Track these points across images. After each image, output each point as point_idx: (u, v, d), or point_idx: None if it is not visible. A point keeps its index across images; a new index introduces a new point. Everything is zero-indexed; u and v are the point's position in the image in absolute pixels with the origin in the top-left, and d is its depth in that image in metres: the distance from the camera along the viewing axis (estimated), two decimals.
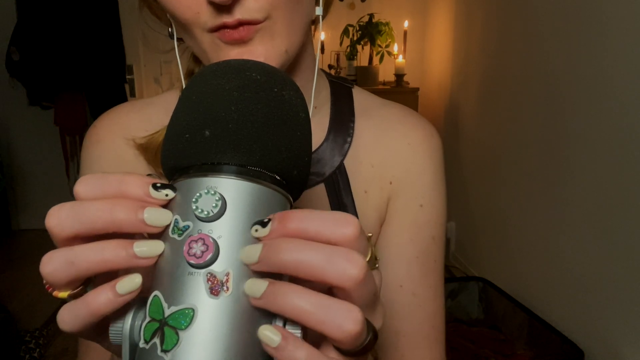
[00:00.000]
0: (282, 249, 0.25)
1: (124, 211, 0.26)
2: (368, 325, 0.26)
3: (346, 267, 0.24)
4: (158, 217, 0.27)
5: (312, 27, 0.54)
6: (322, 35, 0.51)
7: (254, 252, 0.26)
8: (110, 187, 0.27)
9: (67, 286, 0.28)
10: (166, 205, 0.29)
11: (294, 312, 0.25)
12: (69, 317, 0.27)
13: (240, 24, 0.41)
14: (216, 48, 0.43)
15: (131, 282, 0.27)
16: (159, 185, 0.27)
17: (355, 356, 0.27)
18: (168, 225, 0.28)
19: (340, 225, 0.25)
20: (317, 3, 0.48)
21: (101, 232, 0.27)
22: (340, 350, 0.27)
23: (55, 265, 0.27)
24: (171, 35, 0.49)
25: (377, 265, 0.30)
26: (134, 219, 0.26)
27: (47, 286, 0.28)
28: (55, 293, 0.28)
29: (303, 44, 0.48)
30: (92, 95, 2.96)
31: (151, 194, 0.27)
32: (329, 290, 0.26)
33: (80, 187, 0.28)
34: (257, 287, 0.26)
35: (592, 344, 1.66)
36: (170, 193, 0.28)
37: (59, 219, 0.27)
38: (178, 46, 0.51)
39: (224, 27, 0.42)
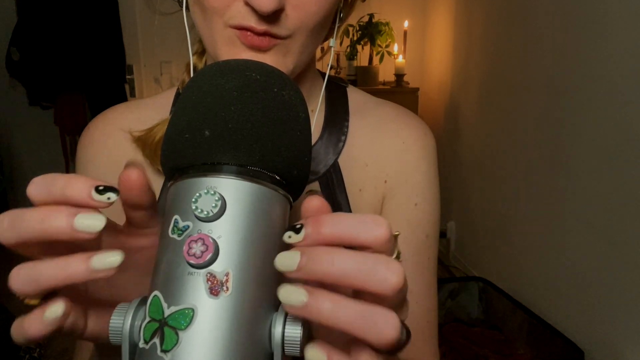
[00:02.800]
0: (323, 259, 0.25)
1: (55, 219, 0.26)
2: (403, 326, 0.27)
3: (387, 276, 0.25)
4: (88, 224, 0.26)
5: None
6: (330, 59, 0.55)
7: (292, 260, 0.26)
8: (56, 189, 0.27)
9: (37, 296, 0.28)
10: (166, 206, 0.29)
11: (335, 322, 0.25)
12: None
13: (265, 33, 0.42)
14: (231, 44, 0.43)
15: (55, 309, 0.28)
16: (101, 187, 0.27)
17: (390, 355, 0.27)
18: (168, 226, 0.28)
19: (373, 228, 0.26)
20: (332, 35, 0.51)
21: (37, 241, 0.27)
22: (375, 349, 0.27)
23: (20, 282, 0.27)
24: (180, 3, 0.49)
25: (400, 260, 0.31)
26: (65, 226, 0.26)
27: (17, 296, 0.29)
28: (27, 301, 0.29)
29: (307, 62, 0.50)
30: (92, 95, 2.96)
31: (93, 197, 0.27)
32: (358, 292, 0.27)
33: (32, 189, 0.28)
34: (296, 296, 0.25)
35: (592, 344, 1.66)
36: (113, 196, 0.27)
37: (1, 228, 0.27)
38: (178, 11, 0.50)
39: (249, 30, 0.42)
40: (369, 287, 0.25)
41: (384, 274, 0.25)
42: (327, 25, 0.48)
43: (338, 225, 0.26)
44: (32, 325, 0.28)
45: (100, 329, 0.32)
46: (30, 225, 0.27)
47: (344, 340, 0.30)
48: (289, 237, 0.27)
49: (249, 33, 0.42)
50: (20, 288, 0.27)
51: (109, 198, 0.27)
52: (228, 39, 0.43)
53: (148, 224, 0.32)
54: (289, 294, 0.26)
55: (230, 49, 0.43)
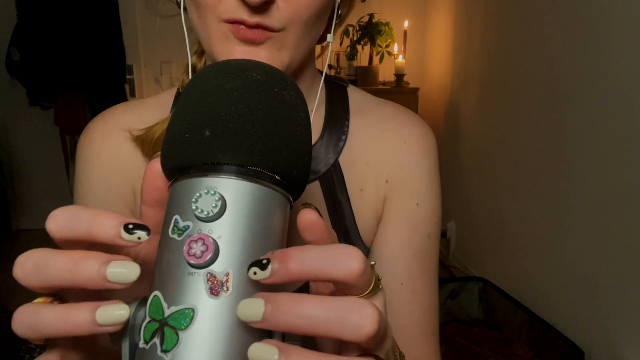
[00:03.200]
0: (289, 308, 0.24)
1: (86, 268, 0.25)
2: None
3: (362, 325, 0.23)
4: (124, 273, 0.25)
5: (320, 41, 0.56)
6: (328, 57, 0.54)
7: (255, 310, 0.24)
8: (80, 226, 0.26)
9: (40, 340, 0.27)
10: (166, 205, 0.29)
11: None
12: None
13: (258, 26, 0.42)
14: (224, 39, 0.44)
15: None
16: (131, 226, 0.26)
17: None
18: (168, 226, 0.28)
19: (345, 261, 0.24)
20: (329, 30, 0.50)
21: (67, 287, 0.26)
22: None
23: (22, 327, 0.26)
24: (178, 4, 0.49)
25: (380, 287, 0.29)
26: (96, 276, 0.25)
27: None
28: (33, 341, 0.28)
29: (305, 59, 0.50)
30: (92, 95, 2.96)
31: (122, 236, 0.26)
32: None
33: (52, 225, 0.27)
34: (268, 356, 0.24)
35: (592, 344, 1.66)
36: (144, 236, 0.26)
37: (24, 272, 0.26)
38: (179, 14, 0.50)
39: (241, 23, 0.42)
40: (340, 336, 0.24)
41: (357, 322, 0.23)
42: (322, 19, 0.47)
43: (307, 260, 0.24)
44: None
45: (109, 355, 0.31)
46: (58, 275, 0.25)
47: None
48: (254, 273, 0.25)
49: (241, 26, 0.42)
50: (22, 333, 0.26)
51: (139, 238, 0.26)
52: (222, 34, 0.43)
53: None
54: (259, 353, 0.24)
55: (224, 44, 0.44)
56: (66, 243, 0.27)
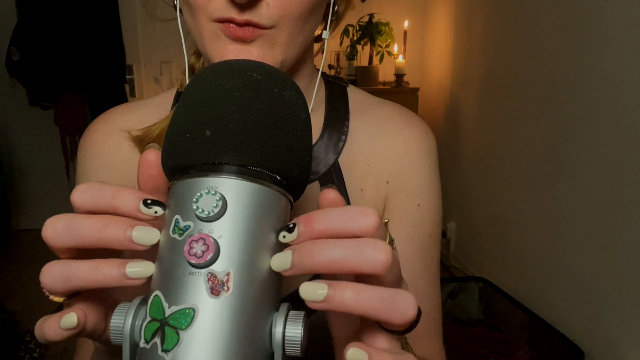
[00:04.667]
0: (313, 252, 0.26)
1: (113, 229, 0.28)
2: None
3: (376, 256, 0.26)
4: (146, 236, 0.28)
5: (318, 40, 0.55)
6: (324, 56, 0.54)
7: (285, 260, 0.27)
8: (104, 199, 0.29)
9: (63, 294, 0.29)
10: (162, 193, 0.29)
11: (359, 309, 0.26)
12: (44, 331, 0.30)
13: (247, 24, 0.42)
14: (216, 38, 0.44)
15: (69, 319, 0.29)
16: (149, 201, 0.28)
17: (403, 334, 0.29)
18: (169, 225, 0.28)
19: (362, 217, 0.27)
20: (324, 27, 0.50)
21: (92, 247, 0.28)
22: (389, 331, 0.29)
23: (53, 279, 0.28)
24: (175, 7, 0.50)
25: (394, 246, 0.32)
26: (122, 237, 0.27)
27: (43, 290, 0.30)
28: (51, 297, 0.30)
29: (302, 56, 0.50)
30: (92, 95, 2.96)
31: (141, 210, 0.28)
32: (357, 279, 0.28)
33: (77, 196, 0.29)
34: (317, 291, 0.26)
35: (592, 344, 1.66)
36: (160, 210, 0.28)
37: (54, 231, 0.28)
38: (178, 18, 0.51)
39: (230, 21, 0.42)
40: (360, 269, 0.26)
41: (372, 254, 0.26)
42: (315, 15, 0.47)
43: (328, 220, 0.27)
44: (49, 330, 0.29)
45: None
46: (88, 233, 0.28)
47: (354, 331, 0.32)
48: (284, 237, 0.28)
49: (231, 25, 0.42)
50: (49, 283, 0.28)
51: (155, 212, 0.28)
52: (213, 34, 0.44)
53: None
54: (311, 290, 0.27)
55: (216, 43, 0.44)
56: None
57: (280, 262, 0.27)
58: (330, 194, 0.29)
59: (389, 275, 0.27)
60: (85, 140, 0.57)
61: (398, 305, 0.27)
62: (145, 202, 0.28)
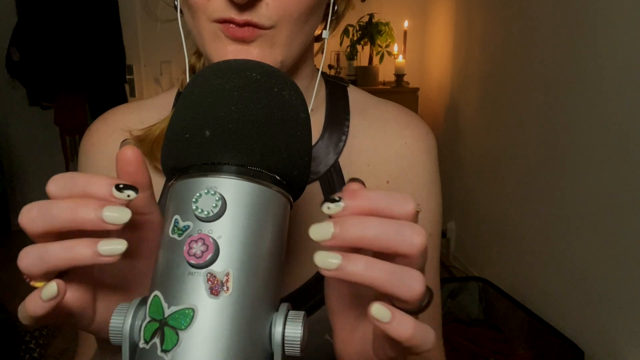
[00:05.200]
0: (356, 225, 0.27)
1: (85, 210, 0.28)
2: (427, 286, 0.29)
3: (414, 238, 0.27)
4: (117, 216, 0.28)
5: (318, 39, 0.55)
6: (324, 56, 0.54)
7: (326, 230, 0.27)
8: (77, 187, 0.29)
9: (42, 278, 0.30)
10: (166, 206, 0.29)
11: (370, 280, 0.27)
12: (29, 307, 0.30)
13: (247, 24, 0.42)
14: (215, 38, 0.44)
15: (50, 289, 0.29)
16: (121, 186, 0.29)
17: (415, 314, 0.30)
18: (168, 226, 0.28)
19: (403, 202, 0.28)
20: (324, 26, 0.50)
21: (67, 229, 0.29)
22: (402, 310, 0.29)
23: (29, 261, 0.29)
24: (176, 7, 0.50)
25: None
26: (94, 218, 0.28)
27: (24, 276, 0.30)
28: (32, 283, 0.30)
29: (302, 56, 0.50)
30: (92, 95, 2.96)
31: (114, 194, 0.29)
32: (387, 259, 0.29)
33: (51, 186, 0.30)
34: (331, 260, 0.27)
35: (592, 344, 1.66)
36: (132, 194, 0.29)
37: (29, 217, 0.29)
38: (179, 18, 0.51)
39: (230, 22, 0.42)
40: (397, 248, 0.27)
41: (410, 236, 0.27)
42: (315, 15, 0.47)
43: (373, 199, 0.28)
44: (31, 304, 0.29)
45: (108, 320, 0.33)
46: (61, 215, 0.28)
47: (349, 303, 0.33)
48: (328, 208, 0.28)
49: (231, 25, 0.43)
50: (27, 266, 0.29)
51: (128, 195, 0.29)
52: (213, 34, 0.44)
53: (146, 208, 0.33)
54: (325, 258, 0.27)
55: (216, 44, 0.44)
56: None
57: (322, 232, 0.27)
58: (355, 185, 0.30)
59: (420, 259, 0.28)
60: (87, 139, 0.57)
61: (406, 280, 0.27)
62: (117, 187, 0.29)
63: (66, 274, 0.31)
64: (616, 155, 1.54)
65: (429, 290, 0.30)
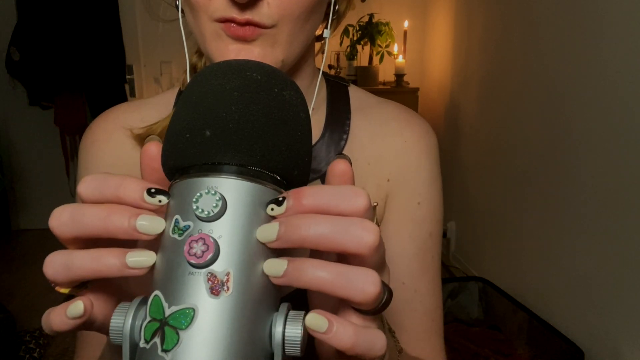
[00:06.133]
0: (301, 225, 0.26)
1: (118, 219, 0.28)
2: (384, 285, 0.28)
3: (363, 236, 0.26)
4: (151, 226, 0.27)
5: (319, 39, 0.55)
6: (325, 55, 0.54)
7: (271, 231, 0.27)
8: (108, 189, 0.29)
9: (68, 285, 0.29)
10: (166, 206, 0.29)
11: (317, 284, 0.26)
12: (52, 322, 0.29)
13: (248, 23, 0.43)
14: (217, 38, 0.44)
15: (76, 308, 0.28)
16: (153, 190, 0.28)
17: (374, 315, 0.29)
18: (169, 225, 0.28)
19: (353, 197, 0.27)
20: (325, 25, 0.50)
21: (98, 236, 0.28)
22: (360, 311, 0.28)
23: (55, 268, 0.28)
24: (177, 7, 0.50)
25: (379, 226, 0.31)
26: (127, 227, 0.27)
27: (50, 282, 0.30)
28: (57, 289, 0.30)
29: (303, 55, 0.50)
30: (92, 95, 2.96)
31: (145, 199, 0.28)
32: (341, 258, 0.28)
33: (82, 187, 0.29)
34: (278, 266, 0.27)
35: (592, 344, 1.66)
36: (164, 199, 0.28)
37: (60, 221, 0.28)
38: (180, 19, 0.51)
39: (231, 21, 0.43)
40: (345, 247, 0.26)
41: (360, 233, 0.26)
42: (316, 14, 0.47)
43: (318, 196, 0.27)
44: (56, 320, 0.29)
45: None
46: (92, 222, 0.28)
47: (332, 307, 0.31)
48: (272, 209, 0.27)
49: (232, 24, 0.43)
50: (52, 274, 0.28)
51: (160, 201, 0.28)
52: (214, 33, 0.44)
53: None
54: (271, 265, 0.27)
55: (217, 43, 0.44)
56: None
57: (266, 233, 0.27)
58: (340, 164, 0.29)
59: (374, 257, 0.27)
60: (87, 137, 0.57)
61: (357, 281, 0.26)
62: (149, 191, 0.28)
63: (92, 281, 0.30)
64: (616, 155, 1.54)
65: (386, 289, 0.28)
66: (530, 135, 2.06)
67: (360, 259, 0.27)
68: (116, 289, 0.33)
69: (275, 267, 0.27)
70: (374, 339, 0.28)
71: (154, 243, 0.32)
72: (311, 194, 0.27)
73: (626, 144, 1.50)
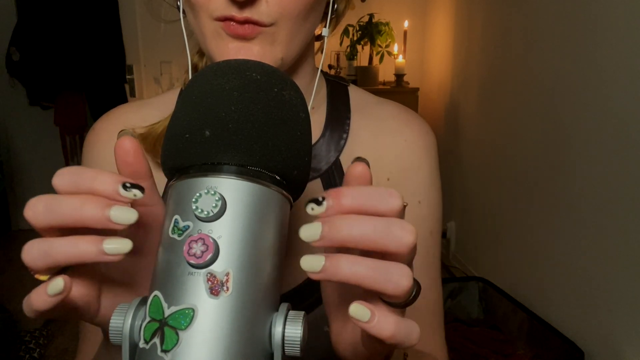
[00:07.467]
0: (343, 225, 0.27)
1: (92, 209, 0.28)
2: (414, 279, 0.29)
3: (403, 236, 0.27)
4: (124, 215, 0.28)
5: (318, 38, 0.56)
6: (323, 54, 0.53)
7: (315, 231, 0.27)
8: (83, 182, 0.29)
9: (46, 272, 0.29)
10: (166, 205, 0.29)
11: (355, 278, 0.27)
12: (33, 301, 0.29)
13: (247, 21, 0.43)
14: (217, 36, 0.45)
15: (56, 284, 0.28)
16: (128, 185, 0.29)
17: (403, 307, 0.30)
18: (168, 226, 0.28)
19: (388, 198, 0.28)
20: (325, 24, 0.51)
21: (72, 226, 0.29)
22: (390, 304, 0.29)
23: (33, 255, 0.29)
24: (178, 8, 0.50)
25: None
26: (100, 216, 0.28)
27: (29, 270, 0.30)
28: (36, 276, 0.30)
29: (302, 54, 0.50)
30: (92, 95, 2.96)
31: (120, 192, 0.28)
32: (365, 253, 0.29)
33: (57, 180, 0.29)
34: (316, 262, 0.27)
35: (592, 344, 1.66)
36: (139, 193, 0.29)
37: (35, 211, 0.29)
38: (181, 19, 0.52)
39: (230, 19, 0.43)
40: (386, 247, 0.27)
41: (400, 233, 0.27)
42: (315, 13, 0.48)
43: (357, 196, 0.28)
44: (36, 298, 0.29)
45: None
46: (67, 212, 0.28)
47: (344, 295, 0.33)
48: (312, 209, 0.28)
49: (232, 23, 0.43)
50: (31, 261, 0.29)
51: (135, 195, 0.29)
52: (214, 32, 0.45)
53: (149, 198, 0.33)
54: (310, 262, 0.27)
55: (217, 42, 0.45)
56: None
57: (310, 232, 0.27)
58: (359, 167, 0.30)
59: (410, 255, 0.28)
60: (91, 137, 0.58)
61: (393, 276, 0.27)
62: (124, 185, 0.28)
63: (71, 268, 0.31)
64: (616, 155, 1.54)
65: (416, 284, 0.30)
66: (530, 136, 2.06)
67: (398, 257, 0.28)
68: (97, 275, 0.33)
69: (313, 263, 0.27)
70: (411, 328, 0.29)
71: (156, 242, 0.32)
72: (350, 195, 0.28)
73: (626, 144, 1.50)
